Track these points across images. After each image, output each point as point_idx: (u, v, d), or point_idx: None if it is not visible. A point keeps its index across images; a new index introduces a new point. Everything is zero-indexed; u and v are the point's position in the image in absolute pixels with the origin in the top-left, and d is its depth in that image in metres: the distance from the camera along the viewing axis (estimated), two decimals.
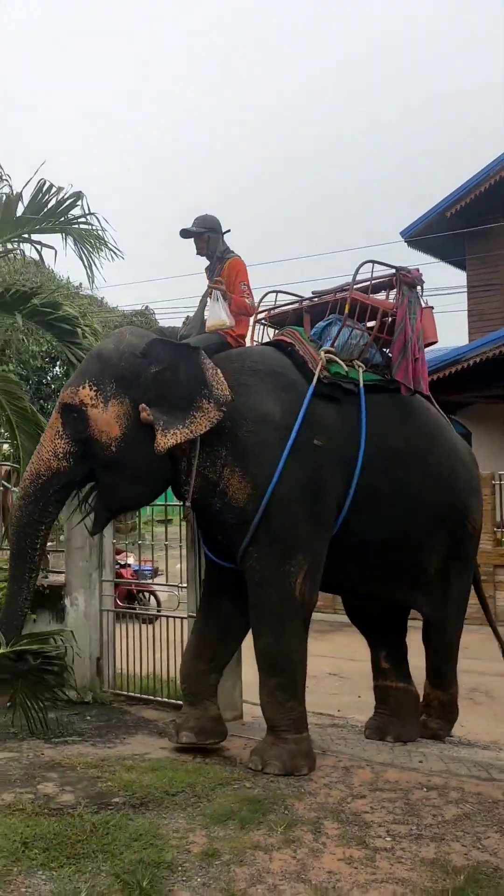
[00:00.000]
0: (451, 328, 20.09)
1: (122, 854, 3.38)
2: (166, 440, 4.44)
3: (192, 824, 3.75)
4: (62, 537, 7.43)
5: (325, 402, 4.74)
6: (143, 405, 4.50)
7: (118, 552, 10.85)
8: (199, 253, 5.24)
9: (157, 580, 9.93)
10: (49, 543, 7.49)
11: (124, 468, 4.65)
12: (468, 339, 17.60)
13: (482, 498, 5.73)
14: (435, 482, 5.08)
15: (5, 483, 7.94)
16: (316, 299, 5.37)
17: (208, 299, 5.07)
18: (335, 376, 4.81)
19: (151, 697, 6.26)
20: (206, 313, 5.08)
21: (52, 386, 20.50)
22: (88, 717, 5.84)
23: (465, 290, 18.30)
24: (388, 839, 3.66)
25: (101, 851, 3.40)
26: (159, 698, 6.21)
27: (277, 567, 4.55)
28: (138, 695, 6.33)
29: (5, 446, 8.34)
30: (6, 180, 6.56)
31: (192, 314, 5.39)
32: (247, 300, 5.04)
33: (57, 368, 20.58)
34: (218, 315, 4.92)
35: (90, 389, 4.62)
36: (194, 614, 5.54)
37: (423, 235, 18.28)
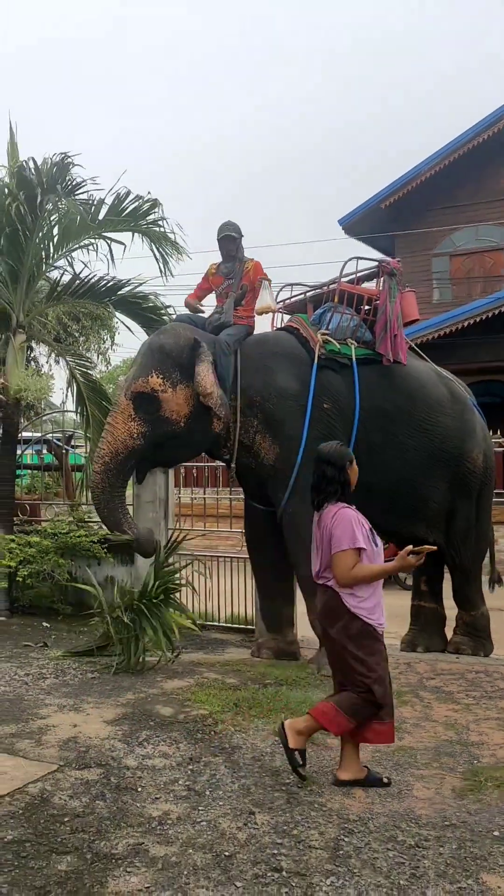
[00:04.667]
0: None
1: (301, 709, 4.73)
2: (220, 422, 5.75)
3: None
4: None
5: (326, 374, 5.99)
6: None
7: None
8: (229, 254, 6.23)
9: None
10: None
11: (184, 437, 5.81)
12: None
13: (484, 439, 6.71)
14: (420, 433, 6.24)
15: (66, 447, 8.99)
16: (317, 290, 6.56)
17: (262, 290, 6.18)
18: (330, 353, 6.07)
19: (212, 623, 7.65)
20: (258, 301, 6.19)
21: None
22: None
23: None
24: (470, 699, 5.23)
25: (285, 709, 4.77)
26: (218, 623, 7.62)
27: (306, 506, 5.83)
28: (200, 622, 7.69)
29: (69, 415, 9.34)
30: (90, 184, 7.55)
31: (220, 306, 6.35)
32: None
33: None
34: (265, 301, 6.17)
35: (158, 377, 5.64)
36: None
37: (360, 225, 19.97)
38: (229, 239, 6.20)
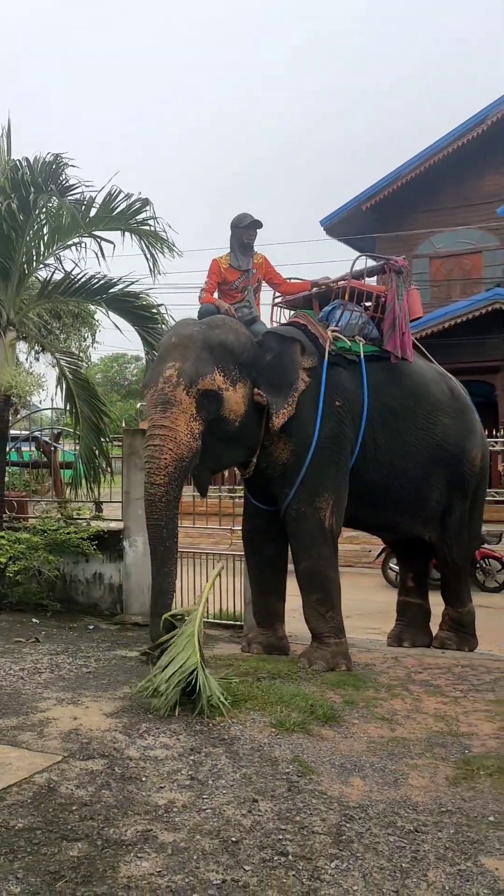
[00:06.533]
0: None
1: (295, 702, 4.86)
2: (280, 419, 5.62)
3: (321, 689, 5.28)
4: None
5: (336, 371, 6.01)
6: (258, 389, 5.61)
7: None
8: (249, 242, 6.23)
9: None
10: (104, 493, 8.75)
11: (236, 437, 5.70)
12: None
13: (482, 438, 6.89)
14: (423, 431, 6.34)
15: (55, 444, 9.02)
16: (323, 287, 6.52)
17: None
18: (340, 350, 6.10)
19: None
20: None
21: None
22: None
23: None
24: (458, 692, 5.36)
25: (279, 702, 4.85)
26: (206, 619, 7.66)
27: (310, 503, 5.82)
28: (187, 617, 7.75)
29: (51, 412, 9.37)
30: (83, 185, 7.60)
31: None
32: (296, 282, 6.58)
33: None
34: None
35: (220, 375, 5.43)
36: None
37: (341, 226, 20.14)
38: (257, 225, 6.15)
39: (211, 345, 5.53)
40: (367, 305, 6.37)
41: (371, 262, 6.66)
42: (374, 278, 6.74)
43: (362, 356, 6.13)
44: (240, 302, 6.21)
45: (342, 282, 6.33)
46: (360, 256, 6.50)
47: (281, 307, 6.90)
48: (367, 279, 6.73)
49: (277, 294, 6.79)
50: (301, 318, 6.39)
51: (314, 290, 6.59)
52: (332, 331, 6.16)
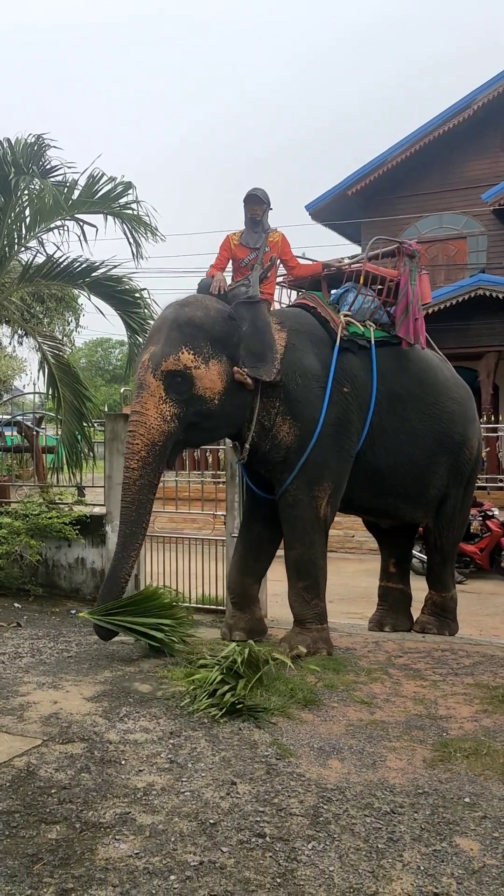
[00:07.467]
0: None
1: (276, 686, 4.90)
2: (270, 377, 5.52)
3: (302, 673, 5.30)
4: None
5: (346, 356, 5.95)
6: (237, 367, 5.47)
7: (476, 504, 10.26)
8: (255, 218, 6.06)
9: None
10: (86, 478, 8.72)
11: (220, 415, 5.60)
12: None
13: (479, 426, 6.95)
14: (429, 417, 6.32)
15: (38, 428, 8.97)
16: (334, 270, 6.41)
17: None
18: (352, 335, 6.04)
19: (183, 604, 7.71)
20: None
21: None
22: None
23: None
24: (438, 676, 5.41)
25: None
26: (189, 604, 7.69)
27: (308, 491, 5.79)
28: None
29: (31, 396, 9.30)
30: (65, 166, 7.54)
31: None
32: (307, 264, 6.41)
33: None
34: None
35: (189, 353, 5.32)
36: (224, 537, 6.98)
37: (327, 211, 20.05)
38: (256, 199, 6.01)
39: (180, 324, 5.47)
40: (378, 289, 6.27)
41: (358, 247, 6.60)
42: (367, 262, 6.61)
43: (373, 342, 6.07)
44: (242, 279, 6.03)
45: (356, 265, 6.24)
46: (377, 239, 6.41)
47: (283, 287, 6.74)
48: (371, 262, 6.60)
49: (280, 274, 6.60)
50: (310, 301, 6.28)
51: (325, 272, 6.46)
52: (345, 315, 6.09)
